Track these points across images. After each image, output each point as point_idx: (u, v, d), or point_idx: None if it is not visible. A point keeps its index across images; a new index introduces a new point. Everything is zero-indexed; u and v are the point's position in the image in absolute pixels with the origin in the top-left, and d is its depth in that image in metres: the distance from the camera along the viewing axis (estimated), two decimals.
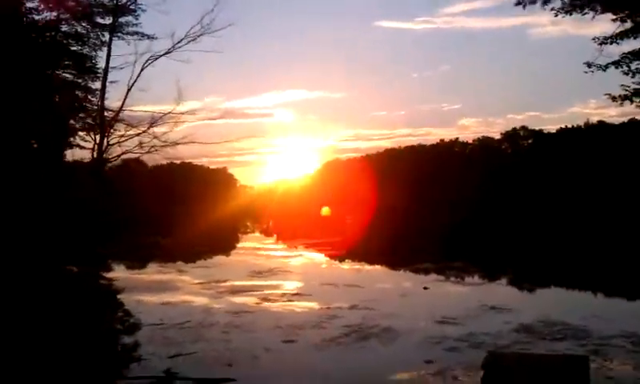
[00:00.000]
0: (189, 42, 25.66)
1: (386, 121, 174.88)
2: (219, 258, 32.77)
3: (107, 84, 26.67)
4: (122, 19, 26.56)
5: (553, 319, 14.90)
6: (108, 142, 25.84)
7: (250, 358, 12.57)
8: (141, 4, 26.62)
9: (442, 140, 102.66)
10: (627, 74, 12.74)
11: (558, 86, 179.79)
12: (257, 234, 58.14)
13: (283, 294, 20.05)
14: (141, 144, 25.86)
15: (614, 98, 12.83)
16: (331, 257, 32.95)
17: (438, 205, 64.22)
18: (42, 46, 24.84)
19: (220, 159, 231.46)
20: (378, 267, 29.21)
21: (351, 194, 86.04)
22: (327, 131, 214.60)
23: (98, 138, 25.62)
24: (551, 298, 20.06)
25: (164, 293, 20.67)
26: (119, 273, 27.84)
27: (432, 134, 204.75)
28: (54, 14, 25.50)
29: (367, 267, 29.27)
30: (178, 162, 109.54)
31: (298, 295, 19.92)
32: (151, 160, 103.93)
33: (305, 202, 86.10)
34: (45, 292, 20.01)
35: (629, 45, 12.61)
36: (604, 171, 58.66)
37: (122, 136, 26.00)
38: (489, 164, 79.30)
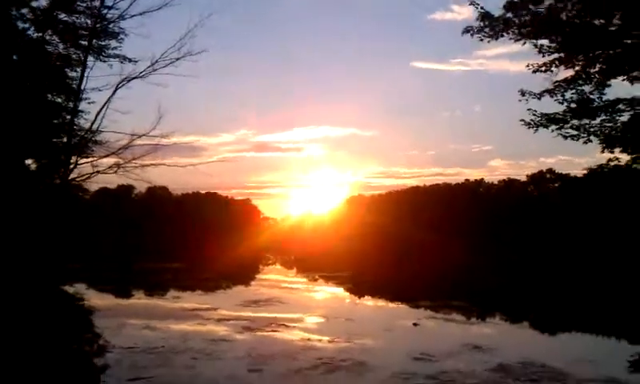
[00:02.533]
0: (167, 65, 25.35)
1: (416, 160, 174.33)
2: (225, 288, 32.38)
3: (87, 104, 26.70)
4: (104, 42, 26.60)
5: (533, 360, 14.28)
6: (77, 161, 25.72)
7: None
8: (123, 28, 26.49)
9: (467, 180, 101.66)
10: (562, 102, 12.34)
11: None
12: (277, 266, 57.81)
13: (269, 324, 19.62)
14: (117, 165, 25.61)
15: (528, 125, 12.37)
16: (340, 290, 32.56)
17: (456, 244, 63.35)
18: (30, 65, 25.05)
19: (247, 191, 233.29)
20: (379, 302, 28.62)
21: (373, 229, 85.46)
22: (356, 167, 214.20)
23: (73, 158, 25.55)
24: (540, 339, 19.37)
25: (150, 318, 20.41)
26: (109, 297, 27.86)
27: (461, 174, 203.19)
28: (40, 34, 25.73)
29: (368, 302, 28.73)
30: (203, 192, 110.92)
31: (283, 325, 19.47)
32: (177, 188, 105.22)
33: (328, 236, 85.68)
34: (23, 312, 19.88)
35: (566, 72, 12.30)
36: (628, 216, 57.36)
37: (96, 157, 25.85)
38: (513, 206, 78.15)
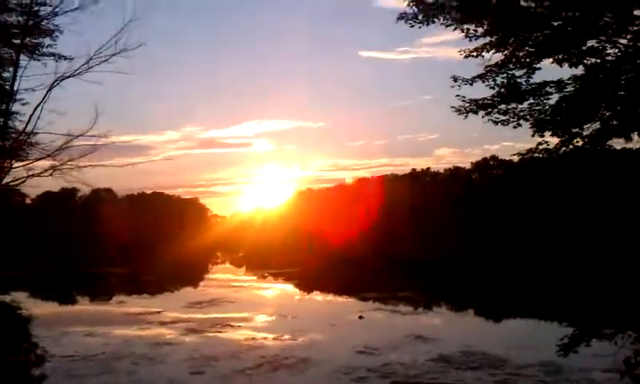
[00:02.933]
0: (102, 61, 24.61)
1: (365, 150, 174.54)
2: (171, 290, 31.94)
3: (21, 106, 25.76)
4: (37, 40, 25.73)
5: (475, 349, 14.47)
6: (11, 165, 24.84)
7: None
8: (57, 25, 25.58)
9: (413, 169, 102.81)
10: (493, 87, 12.47)
11: None
12: (227, 265, 57.37)
13: (215, 325, 19.44)
14: (53, 167, 24.74)
15: (458, 111, 12.49)
16: (289, 286, 32.66)
17: (405, 234, 63.94)
18: None
19: (196, 189, 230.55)
20: (327, 296, 28.78)
21: (322, 223, 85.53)
22: (306, 161, 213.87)
23: (7, 161, 24.63)
24: (483, 327, 19.72)
25: (93, 325, 19.94)
26: (52, 305, 27.25)
27: (409, 165, 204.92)
28: None
29: (317, 297, 28.87)
30: (149, 191, 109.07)
31: (229, 326, 19.31)
32: (122, 189, 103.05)
33: (277, 232, 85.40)
34: None
35: (497, 56, 12.40)
36: (568, 199, 58.68)
37: (32, 160, 24.94)
38: (458, 193, 79.23)
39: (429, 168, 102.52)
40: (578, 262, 33.04)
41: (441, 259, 42.04)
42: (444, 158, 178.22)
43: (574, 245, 38.66)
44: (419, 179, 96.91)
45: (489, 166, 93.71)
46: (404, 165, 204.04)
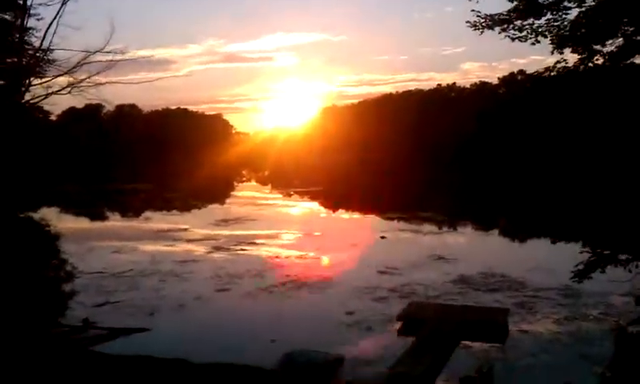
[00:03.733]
0: None
1: (389, 65, 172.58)
2: (199, 207, 32.37)
3: (36, 21, 25.43)
4: None
5: (495, 271, 14.63)
6: (30, 82, 24.82)
7: (175, 307, 12.41)
8: None
9: (439, 85, 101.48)
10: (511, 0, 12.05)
11: None
12: (252, 183, 57.85)
13: (239, 242, 19.80)
14: (71, 85, 24.67)
15: (474, 26, 12.07)
16: (314, 205, 33.11)
17: (430, 152, 63.71)
18: None
19: (219, 105, 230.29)
20: (350, 215, 29.08)
21: (348, 141, 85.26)
22: (329, 75, 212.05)
23: (26, 79, 24.57)
24: (504, 249, 19.82)
25: (120, 241, 20.48)
26: (81, 221, 27.94)
27: (434, 79, 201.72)
28: None
29: (340, 215, 29.16)
30: (174, 107, 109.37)
31: (253, 244, 19.66)
32: (146, 104, 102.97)
33: (302, 150, 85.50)
34: None
35: None
36: (598, 116, 57.40)
37: (49, 78, 24.81)
38: (485, 109, 78.12)
39: (454, 83, 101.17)
40: (601, 183, 32.69)
41: (463, 179, 41.96)
42: (471, 72, 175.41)
43: (599, 165, 38.14)
44: (445, 95, 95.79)
45: (516, 82, 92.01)
46: (429, 79, 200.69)
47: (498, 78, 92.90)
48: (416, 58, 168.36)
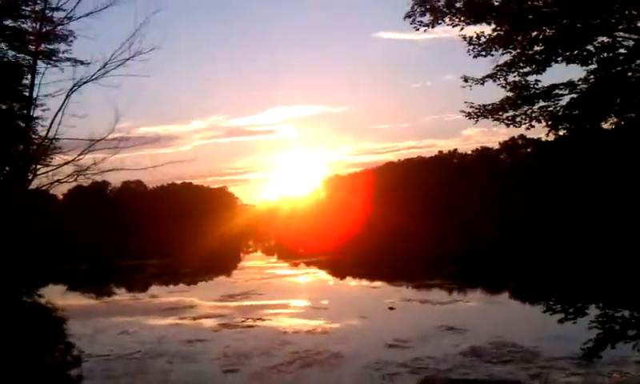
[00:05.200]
0: (118, 66, 24.97)
1: (390, 133, 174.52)
2: (206, 280, 32.39)
3: (42, 112, 26.24)
4: (53, 45, 26.13)
5: (505, 340, 14.44)
6: (36, 170, 25.33)
7: None
8: (71, 30, 25.94)
9: (440, 151, 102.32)
10: (504, 86, 12.34)
11: None
12: (259, 253, 57.92)
13: (246, 318, 19.68)
14: (76, 172, 25.32)
15: (468, 115, 12.34)
16: (321, 273, 33.21)
17: (433, 219, 63.66)
18: None
19: (224, 178, 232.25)
20: (358, 284, 29.08)
21: (351, 210, 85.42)
22: (331, 145, 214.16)
23: (32, 166, 25.12)
24: (514, 317, 19.54)
25: (127, 320, 20.38)
26: (87, 299, 27.86)
27: (435, 146, 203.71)
28: None
29: (348, 284, 29.16)
30: (179, 182, 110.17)
31: (260, 319, 19.50)
32: (152, 180, 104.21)
33: (307, 219, 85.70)
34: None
35: (507, 56, 12.25)
36: (601, 178, 57.48)
37: (55, 166, 25.47)
38: (487, 175, 78.50)
39: (456, 150, 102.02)
40: (609, 246, 32.52)
41: (471, 245, 41.82)
42: (472, 137, 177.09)
43: (606, 227, 38.03)
44: (446, 162, 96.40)
45: (517, 146, 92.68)
46: (431, 146, 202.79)
47: (499, 143, 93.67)
48: (417, 125, 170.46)
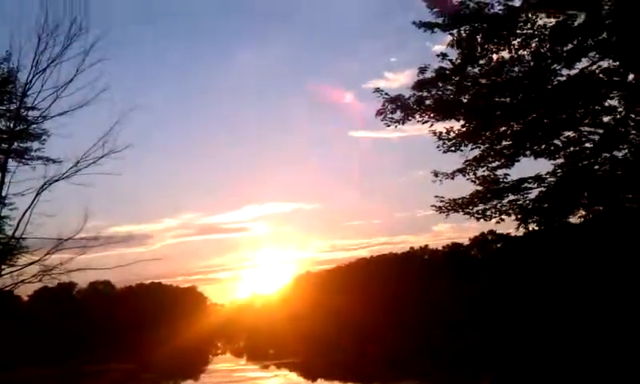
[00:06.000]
0: (90, 164, 24.79)
1: (363, 230, 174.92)
2: None
3: (8, 211, 25.83)
4: (25, 144, 26.02)
5: None
6: (0, 271, 24.70)
7: None
8: (45, 129, 25.95)
9: (412, 248, 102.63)
10: (474, 181, 12.61)
11: None
12: (227, 355, 56.70)
13: None
14: (42, 272, 24.71)
15: (439, 209, 12.56)
16: (292, 376, 32.34)
17: (405, 316, 63.09)
18: None
19: (194, 277, 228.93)
20: None
21: (322, 308, 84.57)
22: (303, 243, 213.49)
23: None
24: None
25: None
26: None
27: (407, 242, 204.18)
28: None
29: None
30: (148, 281, 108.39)
31: None
32: (121, 281, 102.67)
33: (277, 319, 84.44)
34: None
35: (476, 151, 12.58)
36: (569, 271, 57.96)
37: (20, 266, 24.87)
38: (458, 271, 78.79)
39: (427, 245, 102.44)
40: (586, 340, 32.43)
41: (445, 341, 41.42)
42: (442, 233, 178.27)
43: (583, 318, 38.06)
44: (417, 258, 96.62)
45: (487, 241, 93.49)
46: (403, 242, 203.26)
47: (469, 239, 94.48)
48: (389, 221, 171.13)
